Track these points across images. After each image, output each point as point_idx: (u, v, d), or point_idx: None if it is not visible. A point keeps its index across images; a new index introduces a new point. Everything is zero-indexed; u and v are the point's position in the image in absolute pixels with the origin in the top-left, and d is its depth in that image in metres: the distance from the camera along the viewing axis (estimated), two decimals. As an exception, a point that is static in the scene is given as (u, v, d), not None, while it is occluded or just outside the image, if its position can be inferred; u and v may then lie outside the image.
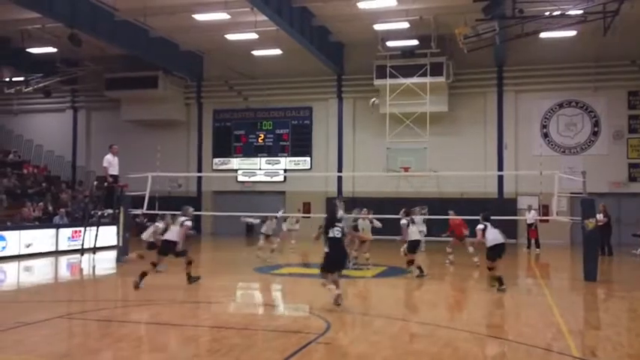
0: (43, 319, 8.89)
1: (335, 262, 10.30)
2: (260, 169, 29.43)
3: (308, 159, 28.97)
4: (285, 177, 28.62)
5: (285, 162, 29.23)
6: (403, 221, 14.15)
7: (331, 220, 10.32)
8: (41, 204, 22.56)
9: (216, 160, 30.17)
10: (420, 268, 14.12)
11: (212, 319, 9.63)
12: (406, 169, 25.49)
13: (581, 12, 20.03)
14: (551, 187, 15.61)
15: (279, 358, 6.89)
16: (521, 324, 9.49)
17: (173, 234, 12.64)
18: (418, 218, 16.28)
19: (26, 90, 28.77)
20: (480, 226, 12.28)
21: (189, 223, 12.95)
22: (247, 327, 8.94)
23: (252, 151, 29.69)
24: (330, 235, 10.17)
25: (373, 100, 22.76)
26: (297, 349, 7.26)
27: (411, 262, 14.05)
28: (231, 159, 29.95)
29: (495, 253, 12.24)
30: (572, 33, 23.41)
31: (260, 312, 10.80)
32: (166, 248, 12.56)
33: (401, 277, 14.61)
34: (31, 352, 7.22)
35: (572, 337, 8.26)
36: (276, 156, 29.37)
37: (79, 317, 9.39)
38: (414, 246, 14.13)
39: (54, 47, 26.28)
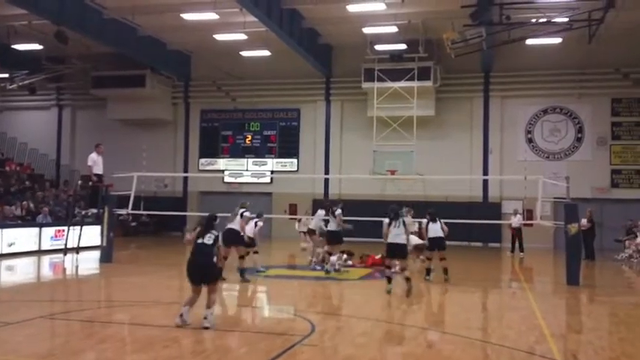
0: (26, 319, 8.82)
1: (196, 270, 8.87)
2: (247, 170, 29.39)
3: (295, 161, 28.99)
4: (271, 178, 28.62)
5: (272, 163, 29.22)
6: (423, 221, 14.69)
7: (207, 227, 9.19)
8: (24, 203, 22.32)
9: (202, 160, 30.08)
10: (428, 270, 14.26)
11: (197, 320, 9.37)
12: (392, 172, 25.59)
13: (566, 20, 20.31)
14: (535, 192, 15.77)
15: (260, 360, 6.88)
16: (504, 327, 9.58)
17: (235, 224, 13.61)
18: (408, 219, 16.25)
19: (11, 87, 28.59)
20: (385, 221, 12.18)
21: (260, 223, 14.60)
22: (232, 329, 8.98)
23: (239, 152, 29.65)
24: (200, 241, 8.99)
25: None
26: (281, 351, 7.27)
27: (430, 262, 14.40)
28: (217, 159, 29.87)
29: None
30: (557, 40, 23.69)
31: (245, 314, 10.81)
32: (229, 236, 13.33)
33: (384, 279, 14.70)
34: (13, 352, 7.18)
35: (554, 340, 8.34)
36: (263, 157, 29.36)
37: (62, 317, 9.33)
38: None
39: (40, 44, 26.04)
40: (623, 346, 8.18)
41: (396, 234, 11.92)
